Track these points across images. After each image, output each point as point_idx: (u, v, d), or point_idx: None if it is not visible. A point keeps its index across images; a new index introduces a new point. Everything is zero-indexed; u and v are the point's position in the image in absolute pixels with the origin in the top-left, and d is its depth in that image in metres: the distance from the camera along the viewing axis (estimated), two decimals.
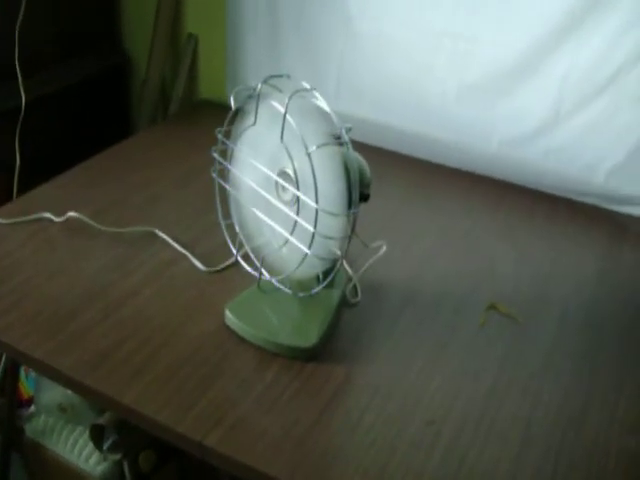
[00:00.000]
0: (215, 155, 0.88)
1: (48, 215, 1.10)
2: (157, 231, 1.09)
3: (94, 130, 1.58)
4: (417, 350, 0.91)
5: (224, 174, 0.90)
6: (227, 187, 0.90)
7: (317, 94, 0.82)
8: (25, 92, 1.36)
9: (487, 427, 0.80)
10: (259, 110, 0.83)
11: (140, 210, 1.16)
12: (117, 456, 1.13)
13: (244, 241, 0.90)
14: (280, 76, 0.84)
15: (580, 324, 0.99)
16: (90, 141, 1.39)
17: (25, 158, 1.41)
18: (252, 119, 0.83)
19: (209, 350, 0.89)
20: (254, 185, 0.85)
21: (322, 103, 0.81)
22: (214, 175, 0.89)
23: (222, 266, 1.02)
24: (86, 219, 1.09)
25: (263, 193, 0.84)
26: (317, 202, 0.77)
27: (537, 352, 0.92)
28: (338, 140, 0.80)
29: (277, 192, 0.84)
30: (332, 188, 0.78)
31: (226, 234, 0.93)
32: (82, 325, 0.91)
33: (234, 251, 0.93)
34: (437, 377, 0.87)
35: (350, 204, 0.80)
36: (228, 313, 0.91)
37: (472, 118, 1.26)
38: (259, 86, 0.82)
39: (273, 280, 0.89)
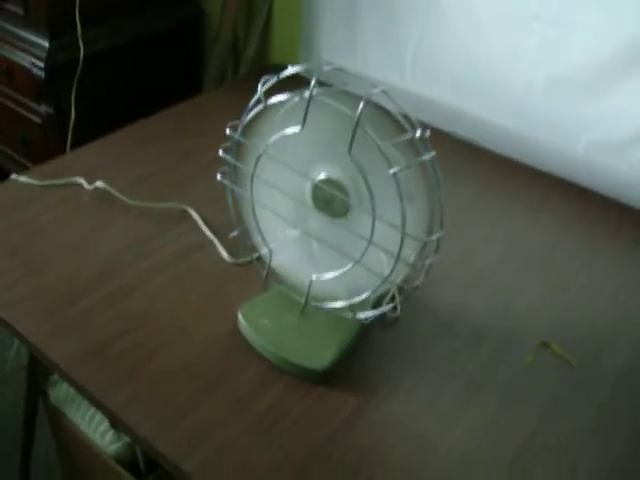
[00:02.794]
0: (225, 156, 0.78)
1: (80, 181, 1.04)
2: (189, 209, 1.01)
3: (160, 88, 1.51)
4: (445, 388, 0.79)
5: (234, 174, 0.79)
6: (238, 190, 0.79)
7: (390, 96, 0.69)
8: (85, 44, 1.31)
9: None
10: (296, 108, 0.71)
11: (178, 183, 1.08)
12: (129, 437, 1.08)
13: (258, 243, 0.80)
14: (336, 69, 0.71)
15: None
16: (155, 100, 1.32)
17: (82, 114, 1.36)
18: (293, 121, 0.70)
19: (213, 357, 0.80)
20: (286, 194, 0.74)
21: (394, 106, 0.69)
22: (220, 179, 0.79)
23: (248, 259, 0.92)
24: (113, 191, 1.02)
25: (303, 201, 0.74)
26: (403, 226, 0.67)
27: (585, 408, 0.78)
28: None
29: (314, 202, 0.74)
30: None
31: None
32: (84, 311, 0.84)
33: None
34: (460, 426, 0.75)
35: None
36: (241, 317, 0.82)
37: (559, 115, 1.10)
38: (312, 85, 0.69)
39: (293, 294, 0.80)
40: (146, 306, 0.86)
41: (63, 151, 1.34)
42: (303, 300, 0.78)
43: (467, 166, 1.18)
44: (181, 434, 0.72)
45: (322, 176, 0.72)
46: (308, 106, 0.69)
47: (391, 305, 0.74)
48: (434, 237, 0.68)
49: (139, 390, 0.76)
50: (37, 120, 1.39)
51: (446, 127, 1.21)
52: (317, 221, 0.75)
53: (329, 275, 0.74)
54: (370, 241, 0.69)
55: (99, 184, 1.02)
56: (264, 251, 0.79)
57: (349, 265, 0.72)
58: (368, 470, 0.70)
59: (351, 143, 0.66)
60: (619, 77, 1.01)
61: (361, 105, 0.64)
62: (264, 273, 0.80)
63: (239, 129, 0.74)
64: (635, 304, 0.94)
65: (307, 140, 0.71)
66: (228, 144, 0.78)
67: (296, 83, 0.72)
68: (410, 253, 0.69)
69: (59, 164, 1.11)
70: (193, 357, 0.80)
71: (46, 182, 1.04)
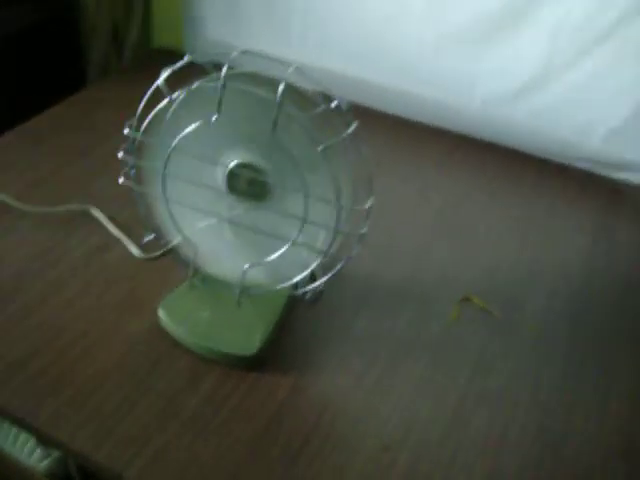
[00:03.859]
0: (126, 158, 0.74)
1: None
2: (91, 209, 0.96)
3: (42, 85, 1.43)
4: (375, 356, 0.79)
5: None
6: (147, 190, 0.76)
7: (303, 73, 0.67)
8: None
9: (451, 454, 0.70)
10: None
11: (75, 183, 1.03)
12: (59, 452, 1.03)
13: (173, 230, 0.77)
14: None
15: (567, 315, 0.87)
16: (38, 98, 1.24)
17: None
18: (198, 110, 0.68)
19: (137, 359, 0.77)
20: (202, 186, 0.71)
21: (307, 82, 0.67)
22: (123, 181, 0.75)
23: (160, 252, 0.89)
24: (8, 199, 0.96)
25: (211, 187, 0.71)
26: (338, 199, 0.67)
27: (515, 354, 0.81)
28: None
29: (231, 190, 0.72)
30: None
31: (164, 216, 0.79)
32: None
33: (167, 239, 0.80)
34: (396, 390, 0.76)
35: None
36: (161, 312, 0.80)
37: (452, 71, 1.11)
38: (223, 71, 0.66)
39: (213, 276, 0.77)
40: (60, 316, 0.81)
41: None
42: (236, 291, 0.76)
43: (368, 131, 1.18)
44: (117, 442, 0.69)
45: (236, 162, 0.70)
46: (222, 94, 0.66)
47: (324, 279, 0.73)
48: (367, 205, 0.68)
49: (65, 404, 0.72)
50: None
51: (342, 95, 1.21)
52: (237, 208, 0.73)
53: (265, 260, 0.72)
54: (305, 219, 0.68)
55: None
56: (185, 246, 0.76)
57: (285, 246, 0.70)
58: (314, 447, 0.69)
59: (274, 124, 0.64)
60: (507, 29, 1.03)
61: (281, 87, 0.63)
62: (190, 270, 0.78)
63: (142, 127, 0.71)
64: (543, 248, 0.97)
65: (217, 128, 0.68)
66: (126, 144, 0.74)
67: (190, 69, 0.69)
68: (343, 225, 0.69)
69: None
70: (117, 361, 0.77)
71: None
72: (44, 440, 0.72)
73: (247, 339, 0.77)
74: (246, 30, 1.27)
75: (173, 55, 0.72)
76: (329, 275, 0.74)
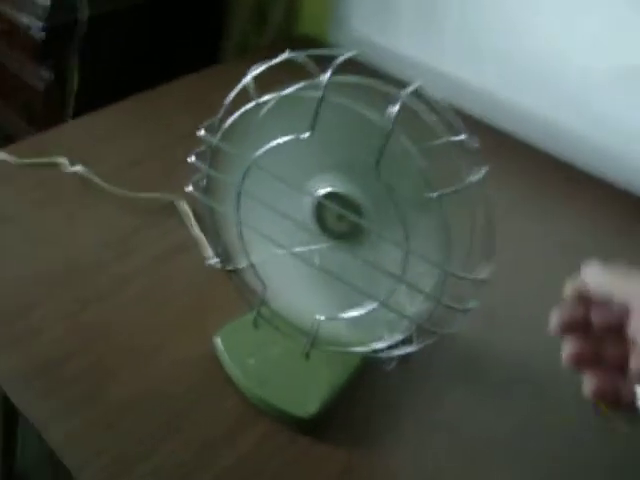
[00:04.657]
0: (197, 164, 0.63)
1: (62, 162, 0.91)
2: (180, 202, 0.87)
3: (173, 57, 1.37)
4: (457, 448, 0.65)
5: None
6: (209, 204, 0.64)
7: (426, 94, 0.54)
8: (90, 4, 1.17)
9: None
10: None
11: (170, 170, 0.94)
12: None
13: (242, 255, 0.66)
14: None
15: None
16: (166, 70, 1.17)
17: (85, 81, 1.23)
18: (290, 120, 0.56)
19: (181, 387, 0.67)
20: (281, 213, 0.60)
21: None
22: (192, 189, 0.64)
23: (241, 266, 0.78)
24: (95, 176, 0.88)
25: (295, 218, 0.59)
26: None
27: None
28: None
29: (318, 224, 0.60)
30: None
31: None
32: (38, 319, 0.71)
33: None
34: None
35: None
36: (219, 342, 0.69)
37: (627, 112, 0.92)
38: (324, 78, 0.53)
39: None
40: (112, 319, 0.73)
41: (64, 121, 1.22)
42: (307, 343, 0.63)
43: (510, 162, 1.02)
44: None
45: (327, 190, 0.58)
46: (319, 106, 0.54)
47: (411, 348, 0.59)
48: (482, 275, 0.54)
49: (85, 426, 0.63)
50: (38, 86, 1.27)
51: (491, 121, 1.05)
52: (320, 245, 0.61)
53: (343, 314, 0.60)
54: (400, 279, 0.55)
55: (80, 168, 0.89)
56: (254, 276, 0.65)
57: (371, 305, 0.57)
58: None
59: (379, 154, 0.51)
60: None
61: (395, 109, 0.49)
62: (255, 309, 0.66)
63: (220, 131, 0.60)
64: None
65: (308, 146, 0.56)
66: (202, 148, 0.63)
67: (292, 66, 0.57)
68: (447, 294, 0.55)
69: (43, 141, 0.98)
70: (159, 385, 0.67)
71: (24, 161, 0.91)
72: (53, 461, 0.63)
73: (306, 398, 0.64)
74: (394, 29, 1.13)
75: (315, 44, 0.61)
76: (418, 346, 0.59)
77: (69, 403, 0.64)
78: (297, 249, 0.62)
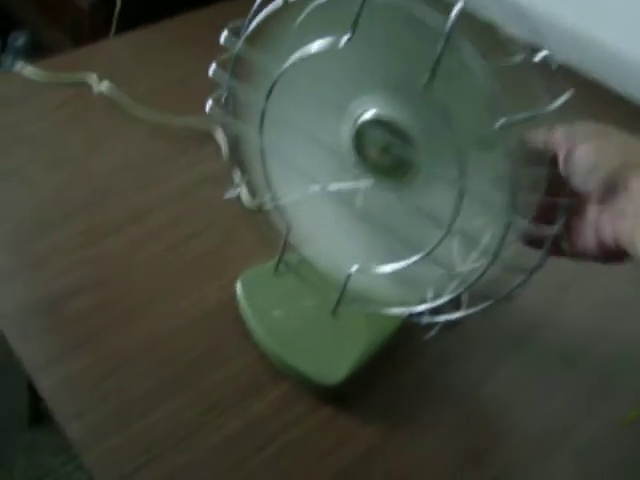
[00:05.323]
0: (219, 75, 0.52)
1: (91, 80, 0.83)
2: (217, 131, 0.78)
3: None
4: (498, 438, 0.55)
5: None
6: (230, 123, 0.54)
7: None
8: None
9: None
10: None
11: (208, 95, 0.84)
12: None
13: (266, 190, 0.56)
14: None
15: None
16: None
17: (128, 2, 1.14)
18: (327, 27, 0.46)
19: (193, 337, 0.59)
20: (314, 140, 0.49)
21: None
22: (210, 109, 0.54)
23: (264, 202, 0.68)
24: (125, 99, 0.80)
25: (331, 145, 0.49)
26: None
27: None
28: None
29: (357, 155, 0.49)
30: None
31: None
32: (48, 248, 0.64)
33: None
34: None
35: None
36: (239, 288, 0.60)
37: None
38: None
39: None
40: (127, 254, 0.65)
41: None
42: (335, 297, 0.54)
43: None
44: (118, 447, 0.51)
45: (370, 114, 0.47)
46: (363, 3, 0.43)
47: (460, 314, 0.49)
48: (554, 229, 0.43)
49: (85, 370, 0.55)
50: (84, 5, 1.19)
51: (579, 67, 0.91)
52: (359, 181, 0.50)
53: (381, 266, 0.50)
54: (449, 229, 0.44)
55: (109, 87, 0.80)
56: (278, 215, 0.55)
57: (415, 256, 0.47)
58: None
59: (433, 69, 0.40)
60: None
61: (456, 8, 0.38)
62: (278, 252, 0.57)
63: (243, 35, 0.49)
64: None
65: (348, 56, 0.45)
66: (225, 56, 0.53)
67: None
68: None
69: (76, 58, 0.89)
70: (168, 333, 0.59)
71: (52, 78, 0.83)
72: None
73: (333, 362, 0.55)
74: None
75: None
76: (467, 312, 0.49)
77: (66, 347, 0.57)
78: (332, 186, 0.52)
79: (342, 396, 0.55)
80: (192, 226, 0.68)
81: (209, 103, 0.53)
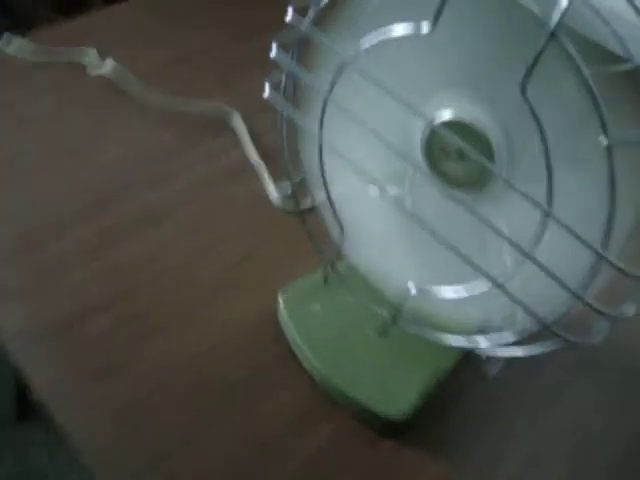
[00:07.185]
0: (280, 58, 0.45)
1: (90, 55, 0.73)
2: (234, 116, 0.70)
3: None
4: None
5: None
6: (290, 113, 0.46)
7: None
8: None
9: None
10: None
11: (225, 74, 0.76)
12: None
13: (320, 188, 0.48)
14: None
15: None
16: None
17: None
18: (408, 12, 0.38)
19: (228, 360, 0.52)
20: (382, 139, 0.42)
21: None
22: (269, 95, 0.46)
23: (301, 208, 0.60)
24: (130, 76, 0.71)
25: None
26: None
27: None
28: None
29: (428, 158, 0.42)
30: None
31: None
32: (54, 257, 0.56)
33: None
34: None
35: None
36: (282, 305, 0.53)
37: None
38: None
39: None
40: (146, 263, 0.57)
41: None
42: (386, 313, 0.47)
43: None
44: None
45: (449, 114, 0.40)
46: None
47: (537, 350, 0.42)
48: None
49: (105, 400, 0.48)
50: None
51: None
52: (427, 187, 0.43)
53: (441, 290, 0.43)
54: (528, 254, 0.37)
55: (112, 65, 0.71)
56: (331, 219, 0.48)
57: (485, 284, 0.40)
58: None
59: (529, 70, 0.33)
60: None
61: (563, 4, 0.31)
62: (327, 255, 0.49)
63: (311, 15, 0.42)
64: None
65: (428, 48, 0.38)
66: (288, 35, 0.45)
67: None
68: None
69: (69, 30, 0.79)
70: (198, 355, 0.52)
71: (43, 55, 0.74)
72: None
73: (397, 392, 0.48)
74: None
75: None
76: (537, 350, 0.42)
77: (86, 372, 0.50)
78: (394, 191, 0.45)
79: (405, 430, 0.48)
80: (215, 229, 0.60)
81: (267, 88, 0.45)
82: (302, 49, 0.45)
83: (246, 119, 0.69)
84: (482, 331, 0.42)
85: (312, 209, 0.51)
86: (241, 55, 0.78)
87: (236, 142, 0.68)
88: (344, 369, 0.49)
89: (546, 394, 0.53)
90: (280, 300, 0.53)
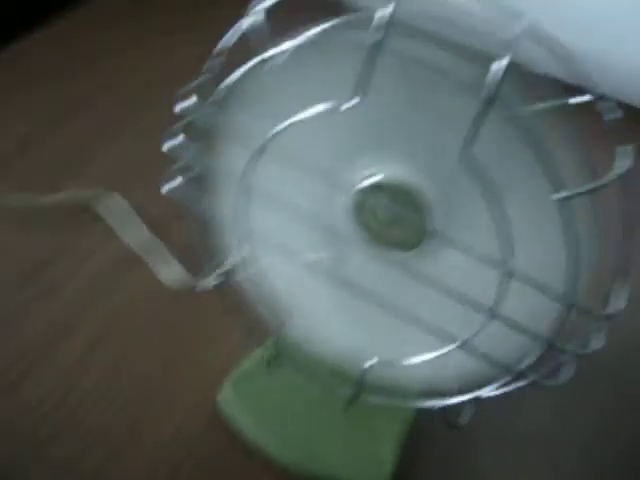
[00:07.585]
0: (171, 149, 0.41)
1: None
2: (104, 198, 0.64)
3: None
4: None
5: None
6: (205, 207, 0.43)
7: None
8: None
9: None
10: None
11: (74, 153, 0.70)
12: None
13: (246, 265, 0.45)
14: None
15: None
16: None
17: None
18: (337, 79, 0.34)
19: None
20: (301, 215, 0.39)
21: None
22: (167, 190, 0.42)
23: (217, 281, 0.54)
24: None
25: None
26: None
27: None
28: None
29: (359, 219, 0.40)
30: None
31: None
32: None
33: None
34: None
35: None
36: (229, 398, 0.50)
37: None
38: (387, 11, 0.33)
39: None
40: (54, 383, 0.51)
41: None
42: (348, 391, 0.45)
43: None
44: None
45: (378, 177, 0.39)
46: (373, 57, 0.34)
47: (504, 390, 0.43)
48: (616, 307, 0.37)
49: None
50: None
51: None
52: (362, 253, 0.42)
53: (405, 359, 0.42)
54: (492, 312, 0.37)
55: None
56: (266, 298, 0.45)
57: (447, 347, 0.40)
58: None
59: (472, 132, 0.32)
60: None
61: (503, 63, 0.30)
62: (272, 338, 0.46)
63: (212, 98, 0.38)
64: None
65: (352, 120, 0.36)
66: (179, 124, 0.41)
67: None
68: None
69: None
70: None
71: None
72: None
73: (370, 460, 0.47)
74: None
75: None
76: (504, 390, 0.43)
77: None
78: (326, 259, 0.43)
79: None
80: (125, 329, 0.56)
81: (165, 185, 0.41)
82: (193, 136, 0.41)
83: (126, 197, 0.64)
84: (460, 391, 0.42)
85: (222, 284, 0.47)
86: (88, 125, 0.72)
87: (103, 225, 0.62)
88: (315, 449, 0.47)
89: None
90: (225, 393, 0.49)
